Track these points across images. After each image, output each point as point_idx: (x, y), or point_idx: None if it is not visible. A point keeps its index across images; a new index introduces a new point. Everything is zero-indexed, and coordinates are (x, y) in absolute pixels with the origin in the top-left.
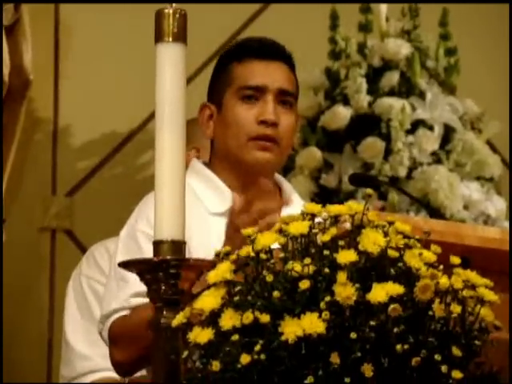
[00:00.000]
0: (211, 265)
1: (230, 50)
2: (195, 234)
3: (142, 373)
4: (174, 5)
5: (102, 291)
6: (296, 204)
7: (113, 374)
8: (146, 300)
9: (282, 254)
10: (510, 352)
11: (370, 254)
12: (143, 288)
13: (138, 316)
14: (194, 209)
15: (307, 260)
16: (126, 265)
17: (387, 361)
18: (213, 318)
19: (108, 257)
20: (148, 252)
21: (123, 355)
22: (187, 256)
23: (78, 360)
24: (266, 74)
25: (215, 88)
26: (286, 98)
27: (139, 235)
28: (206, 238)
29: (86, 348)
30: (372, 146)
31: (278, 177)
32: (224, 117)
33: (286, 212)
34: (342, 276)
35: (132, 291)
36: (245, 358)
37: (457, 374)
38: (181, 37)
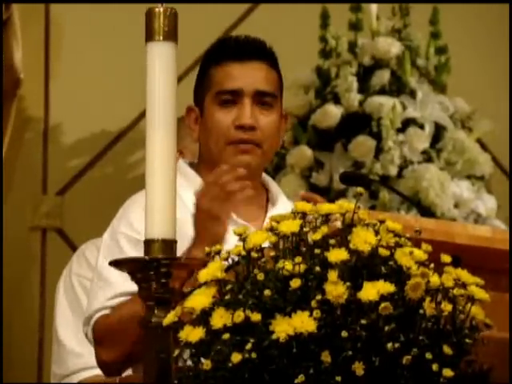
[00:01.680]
0: (202, 264)
1: (208, 51)
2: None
3: (129, 373)
4: (164, 5)
5: None
6: (282, 205)
7: None
8: (126, 299)
9: (272, 253)
10: (510, 352)
11: (360, 252)
12: (125, 288)
13: (118, 313)
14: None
15: (298, 259)
16: (117, 264)
17: (378, 359)
18: (204, 317)
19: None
20: (129, 254)
21: (107, 354)
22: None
23: (70, 358)
24: (241, 76)
25: (198, 92)
26: (265, 99)
27: (120, 237)
28: (187, 241)
29: (77, 346)
30: (363, 144)
31: (266, 177)
32: (205, 121)
33: (272, 213)
34: (332, 275)
35: (113, 292)
36: (236, 357)
37: (448, 373)
38: (171, 36)
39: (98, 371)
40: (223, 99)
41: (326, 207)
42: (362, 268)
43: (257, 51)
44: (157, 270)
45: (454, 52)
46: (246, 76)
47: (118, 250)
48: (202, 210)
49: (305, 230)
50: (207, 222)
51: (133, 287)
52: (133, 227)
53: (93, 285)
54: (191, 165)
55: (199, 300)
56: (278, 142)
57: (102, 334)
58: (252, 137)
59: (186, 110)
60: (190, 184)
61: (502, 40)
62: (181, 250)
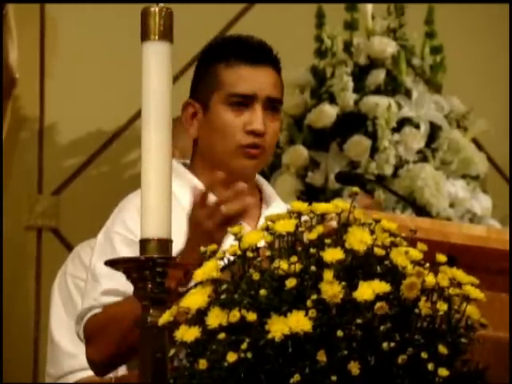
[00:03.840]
0: (198, 264)
1: (213, 47)
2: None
3: (123, 371)
4: (159, 4)
5: None
6: (276, 206)
7: None
8: (117, 298)
9: (268, 253)
10: (510, 351)
11: (356, 252)
12: (113, 285)
13: (106, 313)
14: (172, 211)
15: (294, 258)
16: (113, 264)
17: (374, 359)
18: (199, 317)
19: None
20: (122, 254)
21: (96, 353)
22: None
23: (64, 358)
24: (254, 81)
25: (200, 87)
26: (273, 105)
27: (114, 237)
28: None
29: (72, 346)
30: (358, 144)
31: (259, 179)
32: (211, 120)
33: (265, 211)
34: (328, 274)
35: (101, 289)
36: (231, 357)
37: (443, 372)
38: (167, 35)
39: (91, 372)
40: (234, 101)
41: (321, 207)
42: (357, 267)
43: (267, 56)
44: (152, 270)
45: (449, 52)
46: (259, 81)
47: (111, 250)
48: (198, 223)
49: (300, 229)
50: (201, 237)
51: (120, 284)
52: (127, 227)
53: (86, 284)
54: (184, 164)
55: (195, 299)
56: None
57: (91, 332)
58: (261, 142)
59: (184, 104)
60: (184, 183)
61: (498, 39)
62: (176, 250)
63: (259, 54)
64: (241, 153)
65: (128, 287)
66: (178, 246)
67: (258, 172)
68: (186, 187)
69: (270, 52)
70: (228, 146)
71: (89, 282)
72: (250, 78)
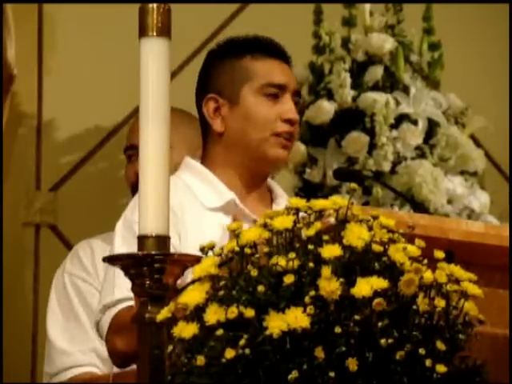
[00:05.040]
0: (196, 260)
1: (230, 44)
2: (191, 230)
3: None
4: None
5: (83, 288)
6: (284, 204)
7: (93, 369)
8: None
9: (266, 249)
10: (510, 349)
11: (354, 248)
12: None
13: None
14: (189, 205)
15: (292, 254)
16: (111, 259)
17: (372, 355)
18: (197, 313)
19: (91, 254)
20: None
21: (127, 345)
22: (183, 251)
23: (58, 356)
24: (284, 73)
25: (223, 81)
26: (298, 99)
27: (136, 226)
28: (201, 234)
29: (65, 344)
30: (356, 140)
31: (268, 179)
32: (242, 111)
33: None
34: (326, 270)
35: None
36: (229, 353)
37: (441, 368)
38: (165, 31)
39: (86, 369)
40: (269, 92)
41: (319, 203)
42: (355, 264)
43: (285, 53)
44: (150, 266)
45: (448, 48)
46: (287, 74)
47: (134, 238)
48: None
49: (298, 225)
50: None
51: None
52: None
53: (109, 274)
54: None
55: (193, 296)
56: None
57: (122, 324)
58: (294, 131)
59: (206, 99)
60: (201, 178)
61: (496, 35)
62: (195, 250)
63: (279, 50)
64: (276, 142)
65: None
66: (193, 237)
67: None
68: (204, 184)
69: (286, 51)
70: (265, 134)
71: (114, 272)
72: (280, 69)
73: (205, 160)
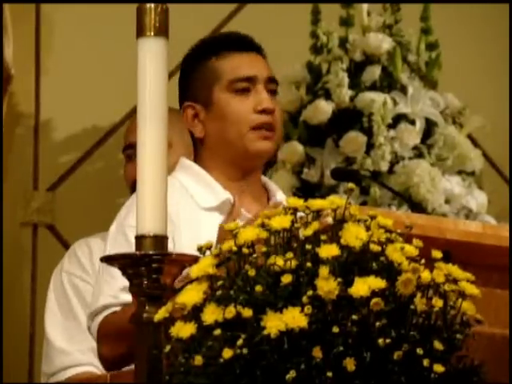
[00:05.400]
0: (193, 259)
1: (198, 47)
2: (186, 230)
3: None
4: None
5: (82, 287)
6: (281, 199)
7: (92, 369)
8: None
9: (264, 249)
10: (510, 348)
11: (352, 248)
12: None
13: (125, 315)
14: (185, 204)
15: (289, 254)
16: (109, 259)
17: (369, 355)
18: (195, 313)
19: (89, 253)
20: None
21: (111, 352)
22: (178, 251)
23: (56, 355)
24: (251, 64)
25: (195, 87)
26: (273, 86)
27: (128, 230)
28: (196, 234)
29: (64, 343)
30: (354, 140)
31: (263, 177)
32: (217, 113)
33: None
34: (324, 270)
35: (120, 285)
36: (227, 353)
37: (438, 368)
38: (162, 31)
39: (84, 368)
40: (238, 87)
41: (317, 203)
42: (353, 264)
43: (253, 44)
44: (148, 266)
45: (445, 48)
46: (255, 64)
47: (127, 244)
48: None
49: (296, 225)
50: None
51: None
52: None
53: (99, 278)
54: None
55: (190, 296)
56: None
57: (107, 331)
58: (272, 120)
59: (183, 108)
60: (196, 178)
61: (494, 35)
62: (192, 250)
63: (246, 42)
64: (255, 135)
65: None
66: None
67: (270, 158)
68: (200, 185)
69: (254, 41)
70: (242, 130)
71: (102, 277)
72: (246, 62)
73: (197, 163)
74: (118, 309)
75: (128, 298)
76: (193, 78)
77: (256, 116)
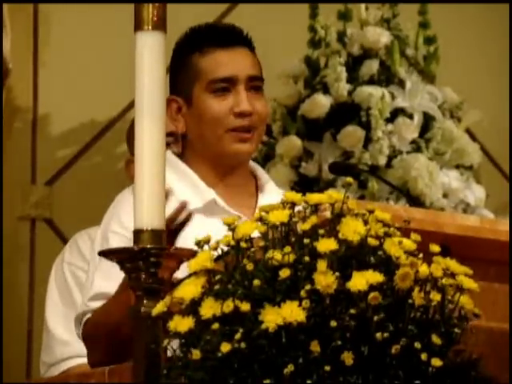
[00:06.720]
0: (191, 254)
1: (186, 38)
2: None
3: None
4: None
5: (83, 278)
6: (271, 191)
7: None
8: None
9: (262, 243)
10: (510, 346)
11: (350, 242)
12: (104, 289)
13: (93, 319)
14: (168, 204)
15: (287, 248)
16: (107, 254)
17: (367, 349)
18: (193, 307)
19: (91, 244)
20: None
21: (91, 357)
22: None
23: (57, 346)
24: (232, 63)
25: (179, 81)
26: (256, 84)
27: (111, 236)
28: (183, 236)
29: (65, 334)
30: (352, 134)
31: (253, 165)
32: (196, 111)
33: (261, 199)
34: (322, 264)
35: (91, 294)
36: (225, 347)
37: (436, 362)
38: (160, 25)
39: (85, 359)
40: (217, 87)
41: (315, 197)
42: (351, 258)
43: (239, 37)
44: (146, 260)
45: (443, 42)
46: (237, 63)
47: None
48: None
49: (294, 219)
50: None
51: (114, 287)
52: (123, 225)
53: (85, 284)
54: (178, 157)
55: (188, 290)
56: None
57: (84, 337)
58: (250, 122)
59: (167, 100)
60: (180, 176)
61: (492, 29)
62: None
63: (231, 36)
64: (231, 137)
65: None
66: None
67: (253, 155)
68: (181, 180)
69: (241, 33)
70: (217, 131)
71: (86, 283)
72: (227, 62)
73: (181, 156)
74: (90, 315)
75: (97, 305)
76: (177, 71)
77: (233, 119)
